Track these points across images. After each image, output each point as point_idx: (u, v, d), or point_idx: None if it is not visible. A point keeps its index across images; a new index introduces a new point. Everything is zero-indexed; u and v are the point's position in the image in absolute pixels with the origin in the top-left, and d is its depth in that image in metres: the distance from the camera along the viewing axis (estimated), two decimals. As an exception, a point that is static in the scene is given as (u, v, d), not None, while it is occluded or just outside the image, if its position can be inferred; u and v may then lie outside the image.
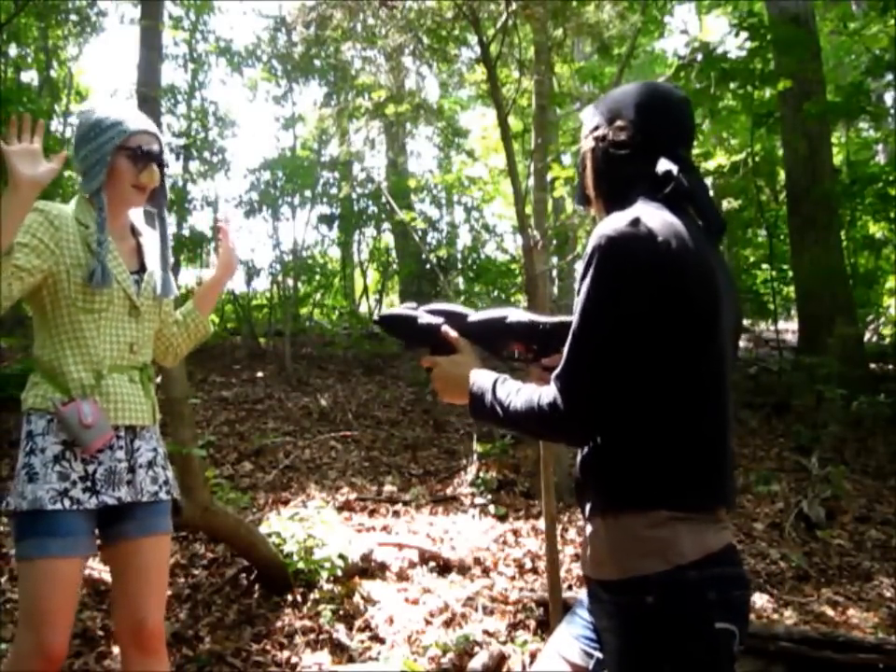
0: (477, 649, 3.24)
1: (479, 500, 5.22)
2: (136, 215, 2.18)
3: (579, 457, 1.42)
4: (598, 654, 1.45)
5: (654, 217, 1.33)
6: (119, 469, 1.96)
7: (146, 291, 2.08)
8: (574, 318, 1.33)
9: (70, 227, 1.96)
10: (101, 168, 1.97)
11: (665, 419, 1.30)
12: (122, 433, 1.98)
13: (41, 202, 1.94)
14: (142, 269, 2.11)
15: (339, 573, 3.63)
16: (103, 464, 1.93)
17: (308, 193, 10.28)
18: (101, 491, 1.92)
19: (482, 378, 1.47)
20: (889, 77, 8.69)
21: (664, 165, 1.39)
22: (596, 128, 1.48)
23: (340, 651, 3.21)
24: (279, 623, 3.35)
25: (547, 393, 1.34)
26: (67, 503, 1.86)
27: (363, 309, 13.10)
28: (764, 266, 9.66)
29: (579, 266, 1.54)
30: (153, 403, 2.10)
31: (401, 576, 3.92)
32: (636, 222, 1.30)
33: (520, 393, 1.39)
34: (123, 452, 1.98)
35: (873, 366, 8.42)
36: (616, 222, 1.31)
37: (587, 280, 1.31)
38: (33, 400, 1.94)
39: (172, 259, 2.18)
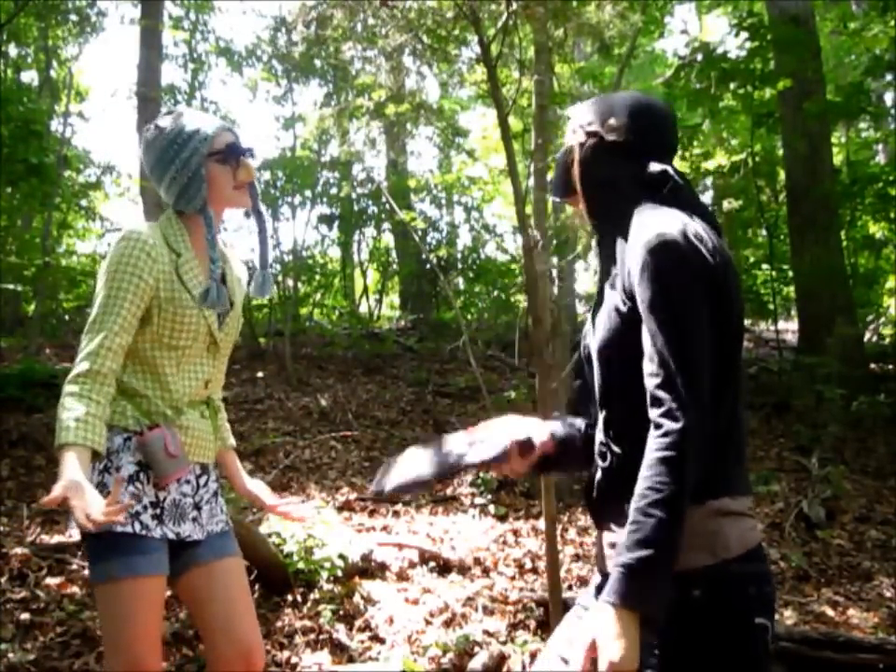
0: (477, 649, 3.24)
1: (479, 500, 5.22)
2: (220, 236, 2.03)
3: (607, 456, 1.42)
4: None
5: (689, 219, 1.36)
6: (184, 504, 1.86)
7: (226, 327, 1.96)
8: (652, 332, 1.31)
9: (164, 256, 1.84)
10: (200, 183, 1.85)
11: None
12: (191, 469, 1.91)
13: (134, 229, 1.84)
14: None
15: (339, 573, 3.63)
16: (170, 494, 1.84)
17: (308, 193, 10.27)
18: (165, 522, 1.82)
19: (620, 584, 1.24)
20: (889, 77, 8.68)
21: (657, 166, 1.42)
22: (589, 123, 1.49)
23: (340, 651, 3.21)
24: (279, 623, 3.34)
25: (660, 440, 1.25)
26: (137, 526, 1.76)
27: (363, 309, 13.10)
28: (764, 266, 9.65)
29: (603, 273, 1.51)
30: (218, 435, 2.04)
31: (401, 576, 3.92)
32: (681, 225, 1.33)
33: (642, 505, 1.24)
34: (190, 488, 1.90)
35: (873, 366, 8.42)
36: (662, 227, 1.33)
37: (651, 293, 1.30)
38: (110, 416, 1.80)
39: (270, 257, 2.04)
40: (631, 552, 1.23)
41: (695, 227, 1.34)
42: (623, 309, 1.36)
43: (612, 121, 1.46)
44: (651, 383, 1.29)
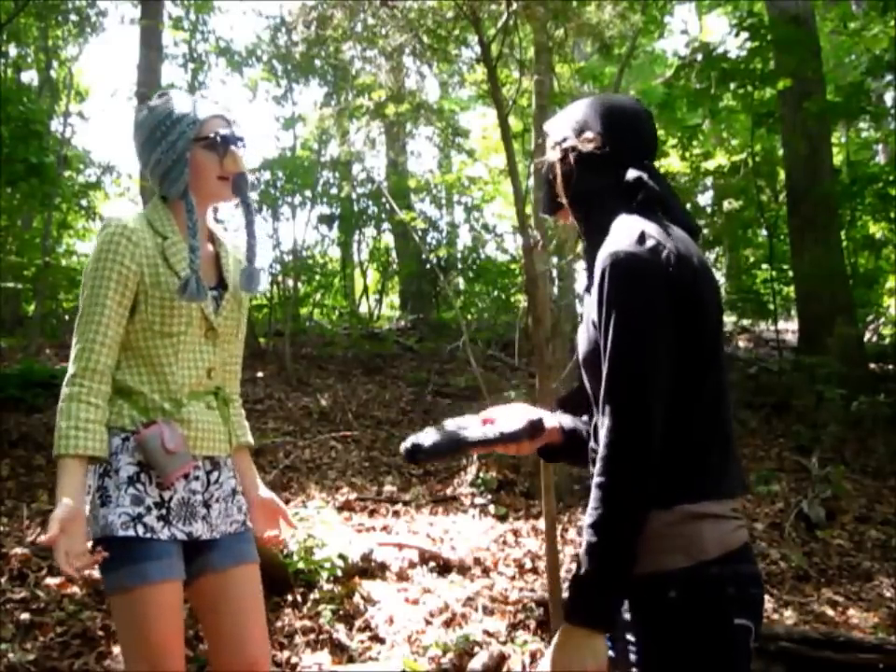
0: (477, 649, 3.24)
1: (479, 500, 5.22)
2: (212, 220, 1.97)
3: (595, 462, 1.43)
4: (610, 653, 1.45)
5: (653, 227, 1.36)
6: (194, 502, 1.77)
7: (224, 311, 1.86)
8: (606, 343, 1.33)
9: (147, 240, 1.78)
10: (183, 167, 1.79)
11: (682, 418, 1.33)
12: (200, 464, 1.81)
13: (115, 215, 1.79)
14: (220, 284, 1.89)
15: (339, 573, 3.63)
16: (178, 492, 1.75)
17: (308, 193, 10.27)
18: (172, 522, 1.73)
19: (571, 603, 1.32)
20: (889, 77, 8.68)
21: (633, 173, 1.43)
22: (564, 139, 1.50)
23: (340, 651, 3.21)
24: (279, 623, 3.34)
25: (607, 451, 1.29)
26: (141, 529, 1.68)
27: (363, 309, 13.10)
28: (764, 266, 9.64)
29: (586, 288, 1.53)
30: (231, 428, 1.92)
31: (401, 576, 3.92)
32: (642, 237, 1.33)
33: (590, 521, 1.29)
34: (200, 484, 1.80)
35: (873, 366, 8.41)
36: (622, 241, 1.34)
37: (607, 305, 1.32)
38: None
39: (258, 251, 1.95)
40: (576, 570, 1.31)
41: (658, 237, 1.34)
42: (597, 320, 1.38)
43: (588, 134, 1.47)
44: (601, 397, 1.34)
